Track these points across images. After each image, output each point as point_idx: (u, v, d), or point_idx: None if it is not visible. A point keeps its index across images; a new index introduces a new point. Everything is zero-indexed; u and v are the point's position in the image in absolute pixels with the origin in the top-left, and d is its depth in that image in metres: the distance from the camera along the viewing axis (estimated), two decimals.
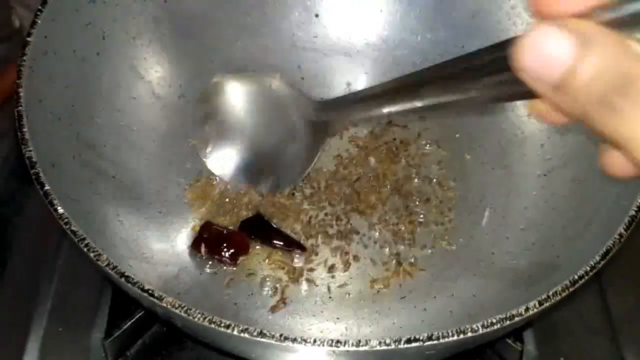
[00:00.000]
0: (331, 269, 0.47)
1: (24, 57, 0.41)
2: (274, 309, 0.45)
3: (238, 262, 0.47)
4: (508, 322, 0.30)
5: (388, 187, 0.51)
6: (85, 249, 0.33)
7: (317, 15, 0.57)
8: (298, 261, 0.48)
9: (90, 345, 0.47)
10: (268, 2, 0.56)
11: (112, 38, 0.49)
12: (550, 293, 0.31)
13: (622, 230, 0.34)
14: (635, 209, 0.35)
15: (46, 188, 0.35)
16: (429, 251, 0.48)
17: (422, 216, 0.50)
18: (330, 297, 0.46)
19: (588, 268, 0.33)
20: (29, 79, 0.41)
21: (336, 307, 0.46)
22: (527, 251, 0.46)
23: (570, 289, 0.32)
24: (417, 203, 0.51)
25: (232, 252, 0.47)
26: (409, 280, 0.47)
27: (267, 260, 0.47)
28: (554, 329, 0.49)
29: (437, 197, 0.51)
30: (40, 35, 0.43)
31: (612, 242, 0.34)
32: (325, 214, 0.50)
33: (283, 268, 0.47)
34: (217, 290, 0.46)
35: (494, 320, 0.30)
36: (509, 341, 0.45)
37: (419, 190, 0.51)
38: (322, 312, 0.45)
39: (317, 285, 0.47)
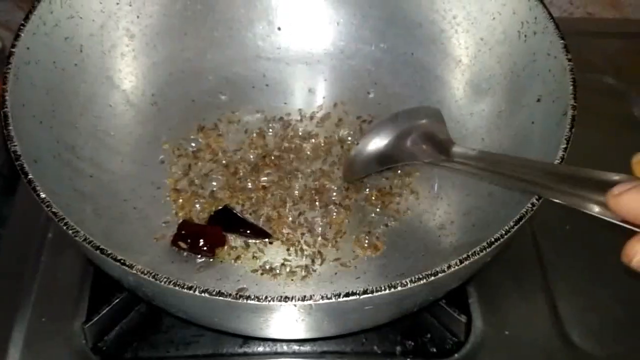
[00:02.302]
0: (293, 253, 0.52)
1: (9, 66, 0.45)
2: (240, 292, 0.49)
3: (216, 254, 0.51)
4: (433, 278, 0.35)
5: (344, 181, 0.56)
6: (64, 227, 0.38)
7: (279, 29, 0.62)
8: (263, 248, 0.52)
9: (72, 333, 0.51)
10: (234, 17, 0.61)
11: (89, 51, 0.54)
12: (470, 252, 0.36)
13: (535, 200, 0.39)
14: None
15: (30, 177, 0.40)
16: (383, 237, 0.53)
17: (378, 207, 0.55)
18: (292, 280, 0.51)
19: (503, 232, 0.38)
20: (14, 85, 0.45)
21: (297, 288, 0.50)
22: (467, 232, 0.51)
23: (487, 249, 0.36)
24: (374, 193, 0.56)
25: (209, 246, 0.51)
26: (362, 263, 0.51)
27: (234, 248, 0.52)
28: (500, 306, 0.54)
29: (392, 188, 0.56)
30: (23, 46, 0.47)
31: (525, 210, 0.39)
32: (288, 201, 0.55)
33: (250, 255, 0.52)
34: (187, 276, 0.50)
35: (420, 276, 0.35)
36: (455, 314, 0.50)
37: (374, 183, 0.56)
38: (284, 292, 0.50)
39: (280, 269, 0.51)
